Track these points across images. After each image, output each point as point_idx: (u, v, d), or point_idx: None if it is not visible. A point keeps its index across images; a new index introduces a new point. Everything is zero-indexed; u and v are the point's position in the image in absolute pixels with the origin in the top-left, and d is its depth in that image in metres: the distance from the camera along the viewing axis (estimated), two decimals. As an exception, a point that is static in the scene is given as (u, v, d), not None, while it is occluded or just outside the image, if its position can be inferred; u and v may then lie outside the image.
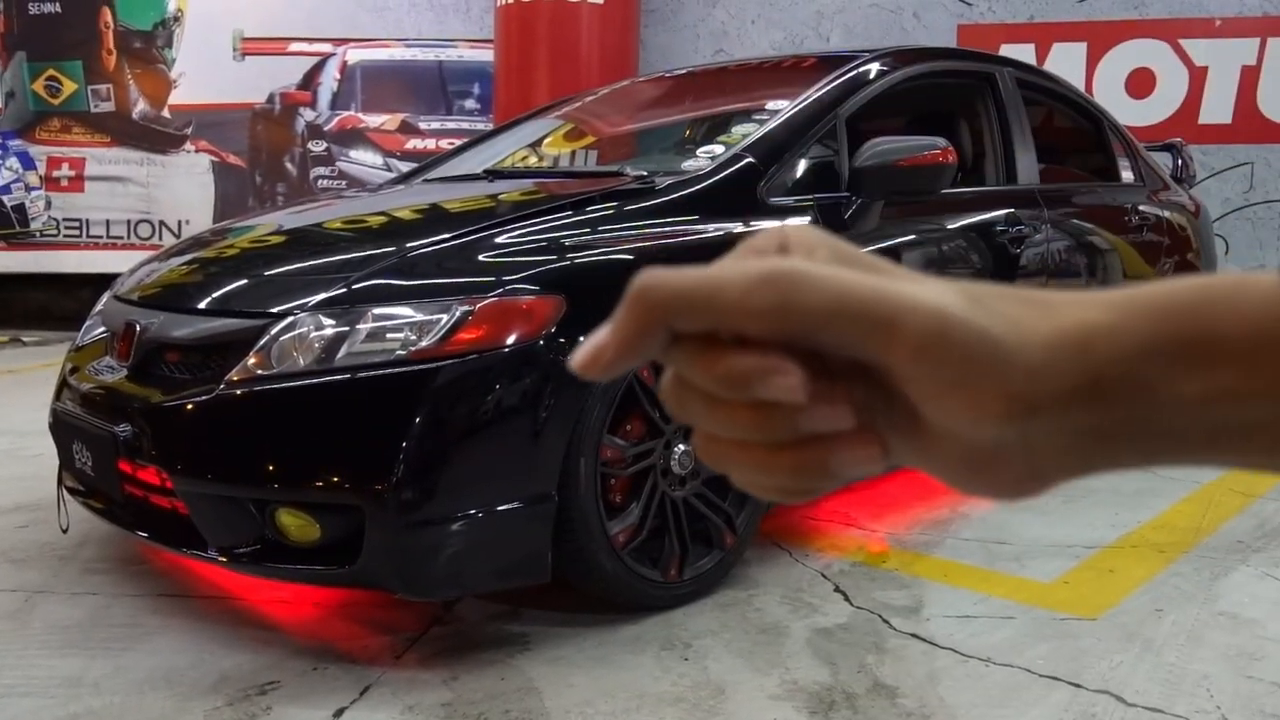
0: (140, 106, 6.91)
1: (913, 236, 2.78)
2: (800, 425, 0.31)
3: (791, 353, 0.30)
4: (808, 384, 0.30)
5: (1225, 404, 0.31)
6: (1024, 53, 5.77)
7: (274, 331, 1.97)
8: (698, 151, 2.93)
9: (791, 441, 0.32)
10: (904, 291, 0.30)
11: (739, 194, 2.45)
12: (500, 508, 1.92)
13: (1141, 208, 3.80)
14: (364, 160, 6.84)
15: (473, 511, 1.90)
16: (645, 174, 2.55)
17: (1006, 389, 0.30)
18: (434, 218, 2.52)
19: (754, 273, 0.30)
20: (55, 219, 6.93)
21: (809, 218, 2.51)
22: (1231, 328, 0.30)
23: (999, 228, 3.03)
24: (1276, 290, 0.30)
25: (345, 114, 6.90)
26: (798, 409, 0.31)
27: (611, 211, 2.28)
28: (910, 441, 0.33)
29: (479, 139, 3.70)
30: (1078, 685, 1.86)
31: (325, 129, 6.90)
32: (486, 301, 1.95)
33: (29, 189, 6.89)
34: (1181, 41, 5.87)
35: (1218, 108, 5.86)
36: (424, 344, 1.91)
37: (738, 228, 2.40)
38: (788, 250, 0.32)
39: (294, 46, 6.88)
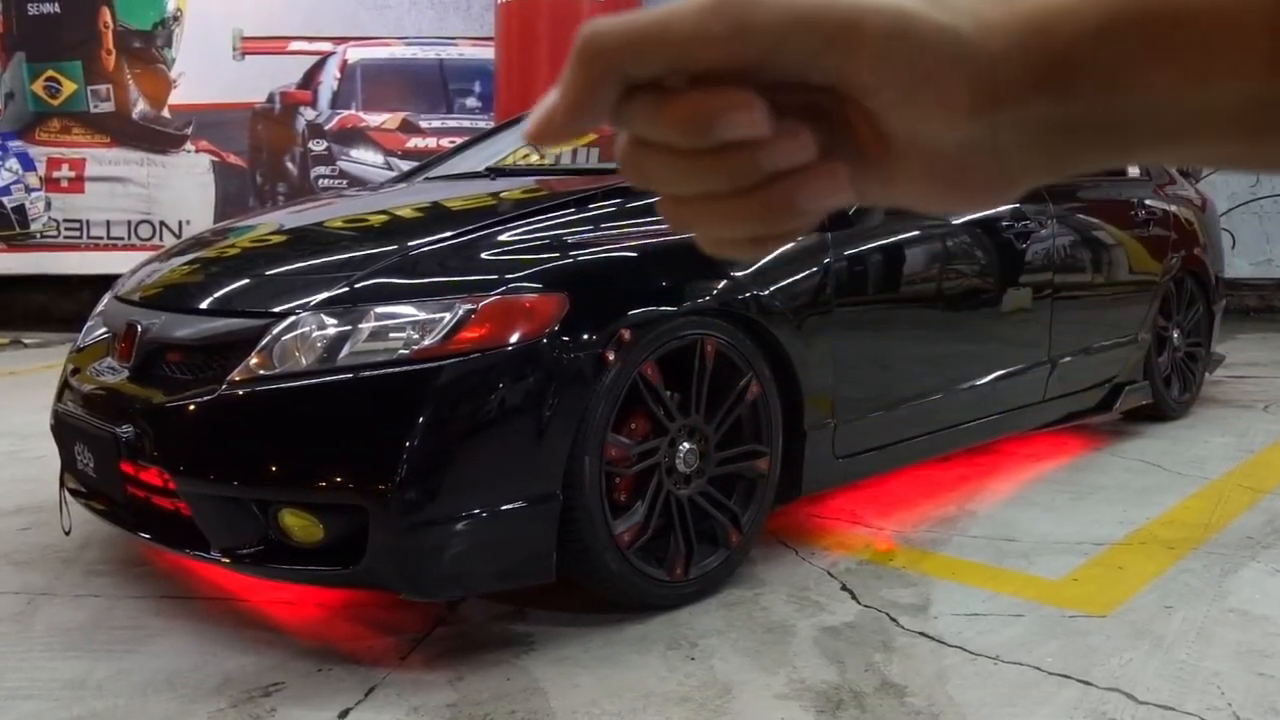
0: (140, 107, 6.91)
1: (917, 232, 2.77)
2: (764, 163, 0.31)
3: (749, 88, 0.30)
4: (769, 117, 0.30)
5: (1198, 88, 0.29)
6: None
7: (276, 331, 1.97)
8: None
9: (756, 184, 0.31)
10: (859, 2, 0.29)
11: (742, 190, 2.43)
12: (504, 507, 1.91)
13: (1148, 202, 3.78)
14: (365, 159, 6.84)
15: (476, 511, 1.89)
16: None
17: (971, 80, 0.30)
18: (436, 216, 2.51)
19: (704, 1, 0.29)
20: (55, 220, 6.93)
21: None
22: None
23: (1004, 223, 3.02)
24: None
25: (346, 113, 6.89)
26: (760, 146, 0.30)
27: (614, 209, 2.27)
28: (875, 171, 0.32)
29: (481, 137, 3.69)
30: (1088, 683, 1.84)
31: (326, 128, 6.89)
32: (489, 300, 1.94)
33: (29, 190, 6.89)
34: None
35: (1225, 101, 5.82)
36: (427, 343, 1.90)
37: (742, 224, 2.38)
38: None
39: (294, 45, 6.87)
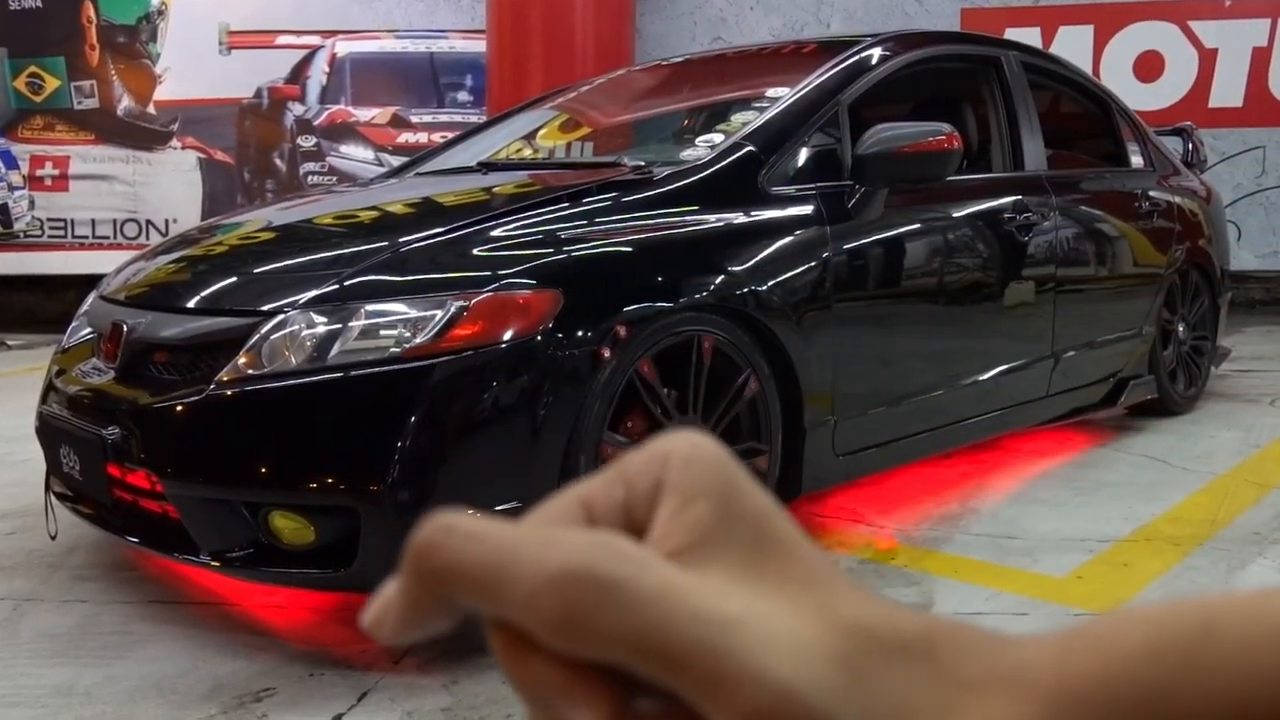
0: (125, 103, 6.85)
1: (917, 225, 2.74)
2: None
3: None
4: (624, 715, 0.23)
5: None
6: (1030, 36, 5.73)
7: (264, 330, 1.94)
8: (697, 141, 2.89)
9: None
10: (749, 645, 0.22)
11: (740, 183, 2.41)
12: (498, 508, 1.89)
13: (1151, 193, 3.76)
14: (355, 155, 6.79)
15: (470, 512, 1.86)
16: (643, 164, 2.51)
17: None
18: (427, 212, 2.48)
19: (550, 570, 0.23)
20: (39, 219, 6.88)
21: (810, 208, 2.47)
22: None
23: (1006, 215, 2.99)
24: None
25: (335, 108, 6.84)
26: None
27: (609, 203, 2.25)
28: None
29: (472, 131, 3.66)
30: (1096, 684, 1.81)
31: (315, 124, 6.85)
32: (482, 297, 1.92)
33: (12, 189, 6.84)
34: (1190, 23, 5.83)
35: (1228, 90, 5.82)
36: (418, 341, 1.88)
37: (739, 218, 2.37)
38: (659, 495, 0.26)
39: (281, 39, 6.82)
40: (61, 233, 6.87)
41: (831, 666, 0.23)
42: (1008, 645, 0.24)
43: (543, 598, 0.23)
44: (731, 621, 0.23)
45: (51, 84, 6.80)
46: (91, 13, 6.76)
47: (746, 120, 2.65)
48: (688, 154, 2.68)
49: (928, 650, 0.24)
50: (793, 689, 0.22)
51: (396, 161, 5.16)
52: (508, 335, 1.91)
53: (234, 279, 2.21)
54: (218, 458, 1.95)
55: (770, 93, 2.81)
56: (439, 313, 1.90)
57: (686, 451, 0.26)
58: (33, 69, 6.80)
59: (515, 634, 0.24)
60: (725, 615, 0.23)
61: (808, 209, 2.47)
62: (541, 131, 3.44)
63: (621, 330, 2.02)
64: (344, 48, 6.83)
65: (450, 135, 4.53)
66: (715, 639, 0.22)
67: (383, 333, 1.90)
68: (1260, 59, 5.76)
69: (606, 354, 2.00)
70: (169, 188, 6.87)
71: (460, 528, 0.24)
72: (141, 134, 6.87)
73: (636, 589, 0.23)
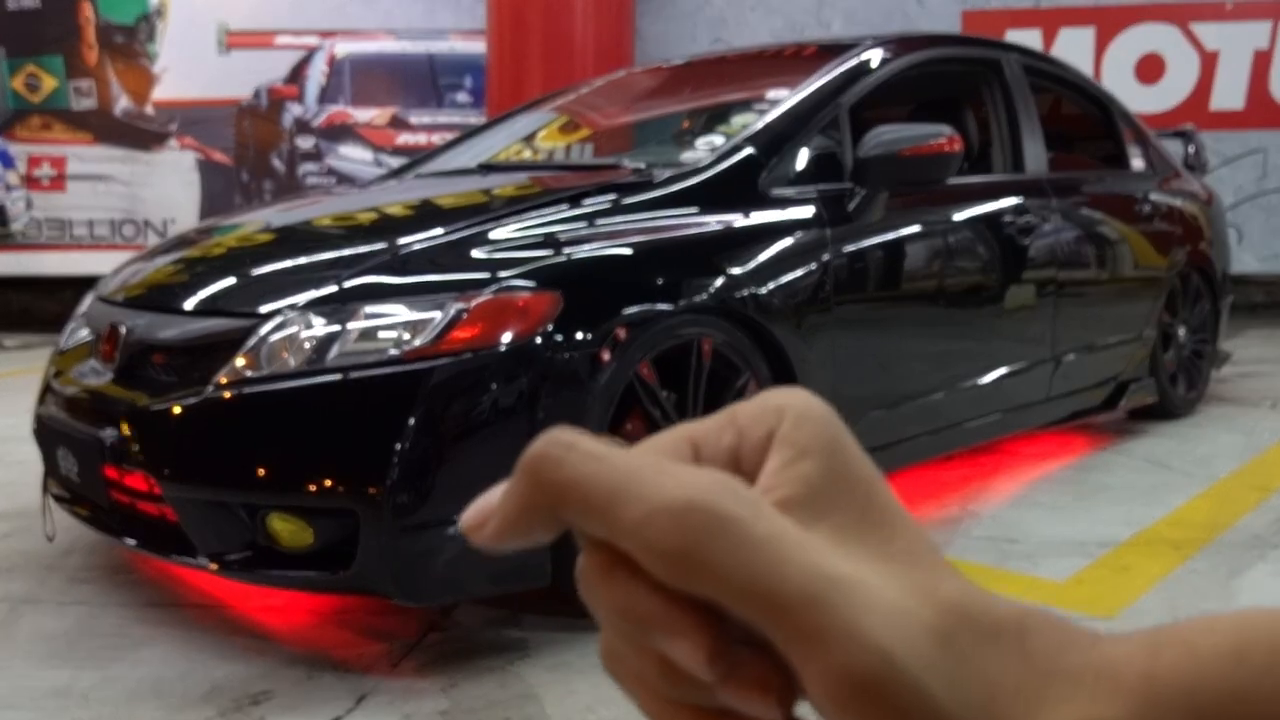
0: (123, 103, 6.84)
1: (918, 228, 2.74)
2: (715, 696, 0.24)
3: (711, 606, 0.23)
4: (723, 655, 0.23)
5: None
6: (1030, 38, 5.73)
7: (263, 332, 1.94)
8: (697, 143, 2.89)
9: (701, 709, 0.25)
10: (852, 605, 0.22)
11: (740, 186, 2.41)
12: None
13: (1152, 196, 3.76)
14: (354, 156, 6.79)
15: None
16: (643, 166, 2.51)
17: None
18: (427, 213, 2.48)
19: (669, 498, 0.23)
20: (37, 219, 6.87)
21: (810, 210, 2.46)
22: None
23: (1007, 218, 2.99)
24: None
25: (334, 108, 6.84)
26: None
27: (609, 205, 2.24)
28: None
29: (472, 133, 3.66)
30: (1096, 688, 1.81)
31: (313, 124, 6.84)
32: (481, 299, 1.92)
33: (9, 189, 6.82)
34: (1192, 25, 5.83)
35: (1230, 93, 5.82)
36: (417, 343, 1.88)
37: (738, 220, 2.36)
38: (770, 446, 0.25)
39: (280, 39, 6.82)
40: (59, 233, 6.86)
41: (928, 639, 0.23)
42: (1097, 641, 0.25)
43: (659, 525, 0.23)
44: (840, 579, 0.23)
45: (49, 84, 6.79)
46: (90, 12, 6.76)
47: (747, 122, 2.65)
48: (688, 156, 2.68)
49: (1020, 636, 0.24)
50: (890, 653, 0.22)
51: (396, 163, 5.16)
52: (507, 337, 1.90)
53: (232, 280, 2.21)
54: (216, 460, 1.94)
55: (770, 95, 2.81)
56: (438, 314, 1.89)
57: (801, 407, 0.26)
58: (30, 68, 6.80)
59: (613, 557, 0.24)
60: (834, 572, 0.23)
61: (808, 211, 2.46)
62: (541, 133, 3.43)
63: (621, 332, 2.02)
64: (343, 48, 6.83)
65: (449, 136, 4.53)
66: (823, 593, 0.22)
67: (382, 334, 1.90)
68: (1261, 61, 5.76)
69: (606, 356, 1.99)
70: (167, 188, 6.86)
71: (582, 445, 0.24)
72: (139, 134, 6.86)
73: (752, 531, 0.23)
